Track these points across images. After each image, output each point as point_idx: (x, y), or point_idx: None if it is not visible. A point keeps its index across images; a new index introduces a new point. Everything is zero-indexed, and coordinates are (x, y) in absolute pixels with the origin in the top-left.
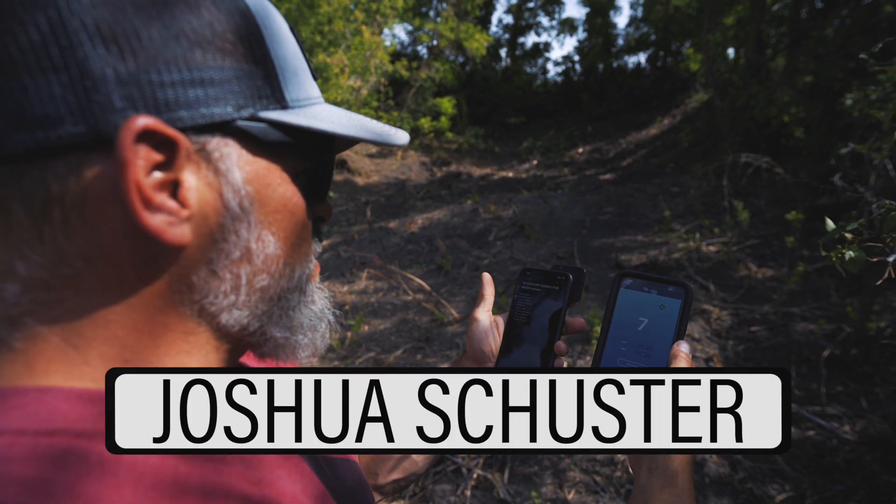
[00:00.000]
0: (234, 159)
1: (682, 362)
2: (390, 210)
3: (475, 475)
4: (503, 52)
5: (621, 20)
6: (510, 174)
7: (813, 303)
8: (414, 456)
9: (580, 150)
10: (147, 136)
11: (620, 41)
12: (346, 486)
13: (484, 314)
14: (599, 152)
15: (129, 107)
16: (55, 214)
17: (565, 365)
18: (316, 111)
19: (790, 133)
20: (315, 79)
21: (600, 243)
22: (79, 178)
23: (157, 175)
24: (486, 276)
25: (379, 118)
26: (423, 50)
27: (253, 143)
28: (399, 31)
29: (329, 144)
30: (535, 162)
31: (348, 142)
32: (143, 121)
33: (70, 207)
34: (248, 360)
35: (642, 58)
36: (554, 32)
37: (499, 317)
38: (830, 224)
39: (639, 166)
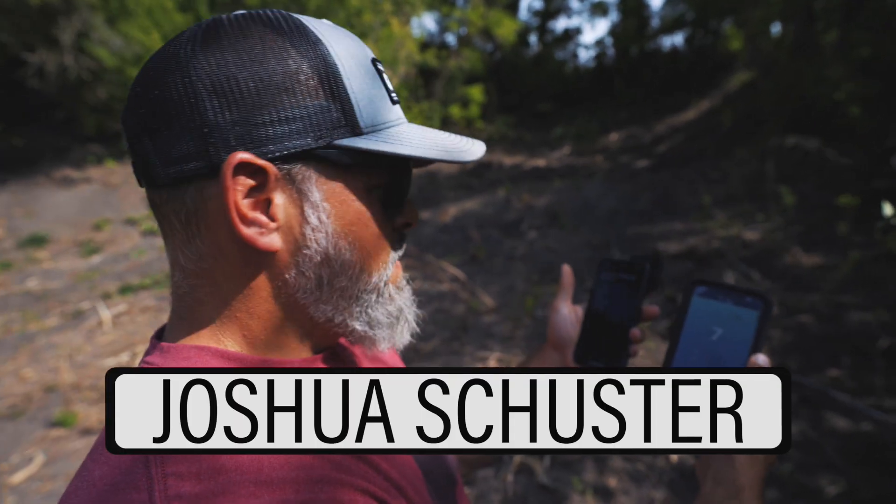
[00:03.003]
0: (314, 181)
1: None
2: (423, 201)
3: (516, 461)
4: (533, 38)
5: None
6: (542, 163)
7: (867, 292)
8: None
9: (614, 136)
10: (243, 167)
11: (655, 22)
12: (436, 462)
13: (564, 304)
14: (634, 138)
15: (233, 145)
16: (193, 224)
17: (640, 353)
18: (392, 133)
19: (843, 112)
20: (395, 102)
21: (636, 232)
22: (203, 199)
23: (253, 196)
24: (567, 269)
25: (409, 108)
26: (451, 38)
27: (329, 166)
28: (427, 21)
29: (403, 161)
30: (567, 150)
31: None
32: (240, 156)
33: (201, 219)
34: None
35: (679, 38)
36: (585, 16)
37: (578, 306)
38: (888, 208)
39: (676, 151)
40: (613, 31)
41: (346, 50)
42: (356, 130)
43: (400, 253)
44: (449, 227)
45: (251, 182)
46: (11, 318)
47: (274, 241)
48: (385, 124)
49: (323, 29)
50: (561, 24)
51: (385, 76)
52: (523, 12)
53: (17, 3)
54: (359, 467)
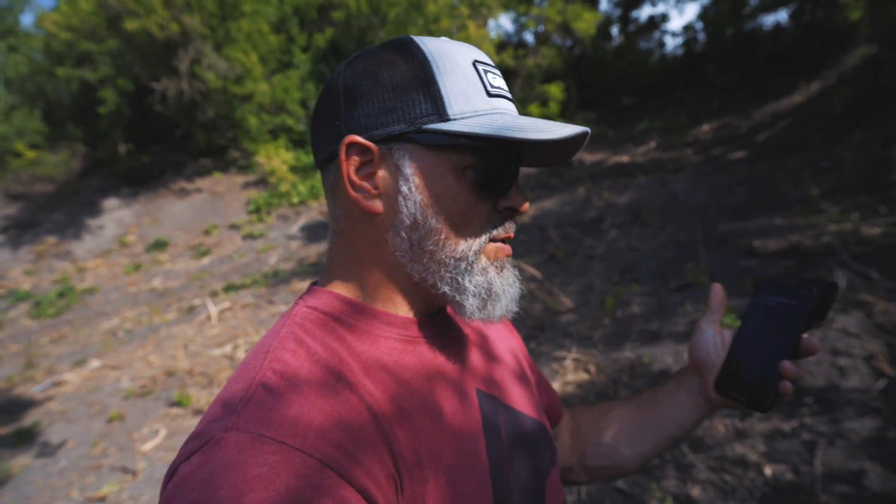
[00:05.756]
0: (407, 158)
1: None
2: None
3: None
4: (614, 30)
5: None
6: (625, 159)
7: None
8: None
9: (705, 127)
10: (353, 146)
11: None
12: (516, 430)
13: (709, 325)
14: (728, 128)
15: (351, 131)
16: (332, 194)
17: (791, 390)
18: (479, 120)
19: None
20: (492, 95)
21: (728, 228)
22: (336, 173)
23: (364, 170)
24: (717, 287)
25: None
26: (529, 37)
27: (421, 147)
28: (504, 21)
29: (494, 145)
30: (652, 144)
31: (546, 150)
32: (350, 138)
33: (337, 190)
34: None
35: (783, 15)
36: (672, 1)
37: (727, 330)
38: None
39: (778, 140)
40: (704, 15)
41: (446, 57)
42: (443, 118)
43: (497, 233)
44: (527, 226)
45: (361, 159)
46: (142, 312)
47: (376, 204)
48: (475, 112)
49: (432, 44)
50: (645, 12)
51: (489, 75)
52: (604, 3)
53: (147, 39)
54: (376, 440)
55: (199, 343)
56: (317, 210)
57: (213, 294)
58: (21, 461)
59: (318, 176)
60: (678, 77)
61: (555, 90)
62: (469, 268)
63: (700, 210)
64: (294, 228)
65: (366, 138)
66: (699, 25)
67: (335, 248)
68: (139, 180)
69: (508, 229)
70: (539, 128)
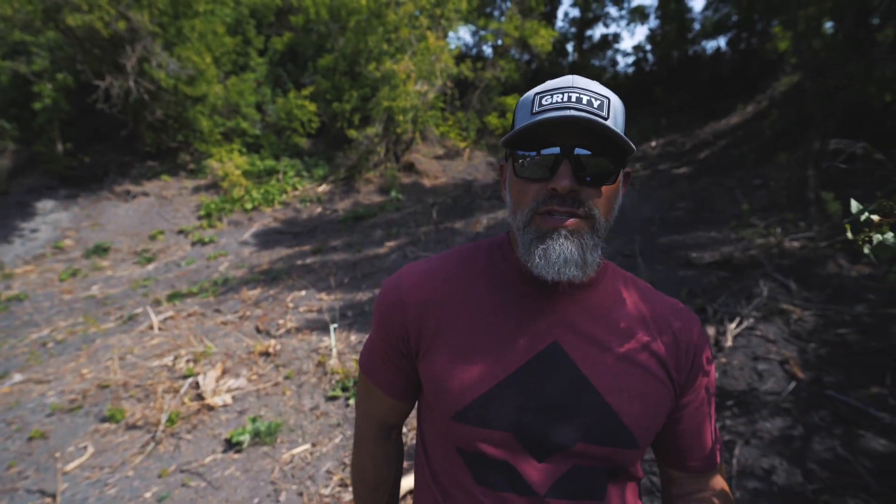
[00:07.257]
0: (508, 164)
1: None
2: (457, 211)
3: None
4: (570, 47)
5: (698, 2)
6: None
7: None
8: None
9: (653, 143)
10: (501, 166)
11: (697, 26)
12: (560, 386)
13: None
14: (674, 145)
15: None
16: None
17: None
18: (517, 130)
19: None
20: (535, 114)
21: (670, 240)
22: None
23: (506, 179)
24: None
25: (445, 120)
26: (488, 50)
27: (506, 155)
28: (464, 33)
29: (516, 146)
30: None
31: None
32: (501, 162)
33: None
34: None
35: (722, 42)
36: (624, 22)
37: None
38: (855, 205)
39: (717, 158)
40: (653, 37)
41: (523, 99)
42: (508, 132)
43: (539, 208)
44: (481, 236)
45: (504, 174)
46: (77, 321)
47: (504, 196)
48: (520, 126)
49: (534, 91)
50: (598, 31)
51: (544, 98)
52: (560, 21)
53: (90, 34)
54: (441, 304)
55: (137, 354)
56: (270, 216)
57: (157, 302)
58: None
59: (273, 181)
60: (630, 95)
61: (513, 102)
62: (521, 231)
63: (645, 223)
64: (246, 234)
65: (499, 159)
66: (648, 47)
67: None
68: (79, 181)
69: (549, 204)
70: (532, 121)
